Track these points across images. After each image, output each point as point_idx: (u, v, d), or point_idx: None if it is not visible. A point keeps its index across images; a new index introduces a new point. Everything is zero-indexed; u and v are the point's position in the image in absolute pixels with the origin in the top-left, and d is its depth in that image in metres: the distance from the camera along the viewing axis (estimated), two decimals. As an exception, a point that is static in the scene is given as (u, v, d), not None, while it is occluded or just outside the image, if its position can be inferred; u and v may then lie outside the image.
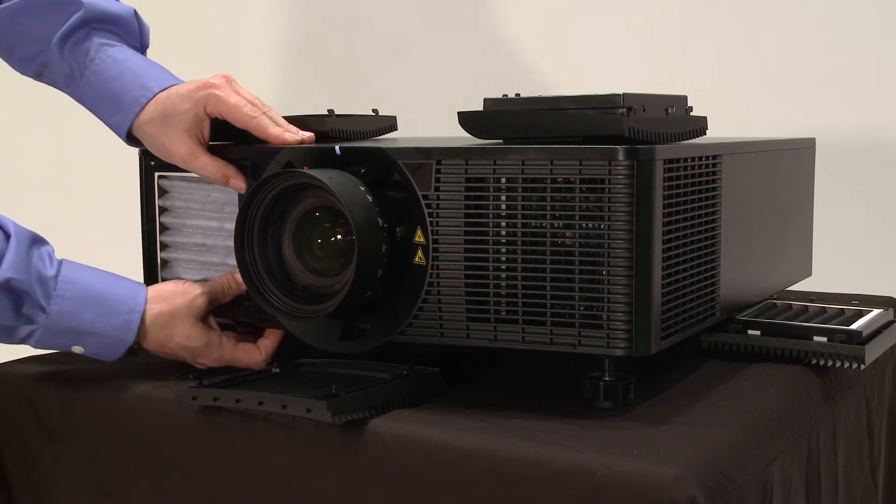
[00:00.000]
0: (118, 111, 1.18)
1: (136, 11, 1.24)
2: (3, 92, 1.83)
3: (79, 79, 1.19)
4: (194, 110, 1.15)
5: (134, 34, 1.23)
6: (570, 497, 0.87)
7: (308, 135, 1.16)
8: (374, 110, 1.32)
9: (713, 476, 0.88)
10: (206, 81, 1.15)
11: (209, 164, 1.15)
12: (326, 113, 1.24)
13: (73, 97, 1.22)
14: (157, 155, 1.19)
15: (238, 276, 1.13)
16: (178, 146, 1.16)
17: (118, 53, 1.20)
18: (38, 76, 1.23)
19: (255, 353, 1.16)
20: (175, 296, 1.14)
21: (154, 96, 1.17)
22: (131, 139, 1.20)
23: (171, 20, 2.24)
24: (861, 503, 1.24)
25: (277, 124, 1.16)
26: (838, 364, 1.13)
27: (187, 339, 1.13)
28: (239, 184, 1.15)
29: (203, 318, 1.15)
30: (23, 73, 1.24)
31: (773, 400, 1.06)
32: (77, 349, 1.12)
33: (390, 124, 1.34)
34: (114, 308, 1.11)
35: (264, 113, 1.16)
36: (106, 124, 1.20)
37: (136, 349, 1.14)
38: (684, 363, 1.16)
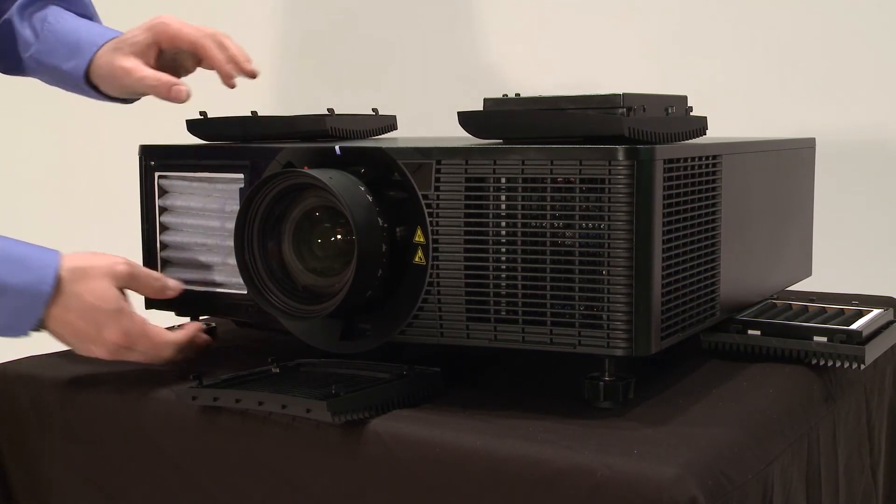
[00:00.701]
0: (76, 55, 1.23)
1: None
2: (4, 92, 1.83)
3: (37, 39, 1.24)
4: (143, 35, 1.20)
5: (84, 7, 1.30)
6: (570, 497, 0.88)
7: (251, 69, 1.21)
8: (373, 109, 1.32)
9: (713, 476, 0.88)
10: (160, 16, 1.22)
11: (151, 76, 1.19)
12: (326, 112, 1.24)
13: (31, 62, 1.27)
14: (107, 91, 1.23)
15: (159, 282, 1.13)
16: (123, 64, 1.20)
17: (73, 17, 1.27)
18: None
19: (165, 339, 1.12)
20: (95, 257, 1.11)
21: (112, 39, 1.23)
22: (88, 84, 1.24)
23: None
24: (861, 503, 1.24)
25: (231, 57, 1.21)
26: (838, 364, 1.13)
27: (100, 298, 1.08)
28: (181, 90, 1.17)
29: (120, 287, 1.11)
30: None
31: (773, 400, 1.06)
32: None
33: (390, 124, 1.34)
34: (28, 265, 1.07)
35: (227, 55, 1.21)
36: (63, 71, 1.24)
37: (43, 323, 1.08)
38: (684, 363, 1.16)
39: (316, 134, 1.19)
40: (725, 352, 1.17)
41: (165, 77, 1.20)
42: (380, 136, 1.33)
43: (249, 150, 1.16)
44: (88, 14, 1.33)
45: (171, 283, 1.16)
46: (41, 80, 1.33)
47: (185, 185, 1.22)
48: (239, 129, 1.19)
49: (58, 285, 1.07)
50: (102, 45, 1.23)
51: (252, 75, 1.22)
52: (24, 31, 1.25)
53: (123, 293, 1.12)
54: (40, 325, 1.09)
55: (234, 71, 1.22)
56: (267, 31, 2.27)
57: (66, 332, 1.09)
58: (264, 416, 1.01)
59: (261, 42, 2.27)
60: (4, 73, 1.33)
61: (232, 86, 1.23)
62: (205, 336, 1.18)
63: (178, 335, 1.13)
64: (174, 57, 1.26)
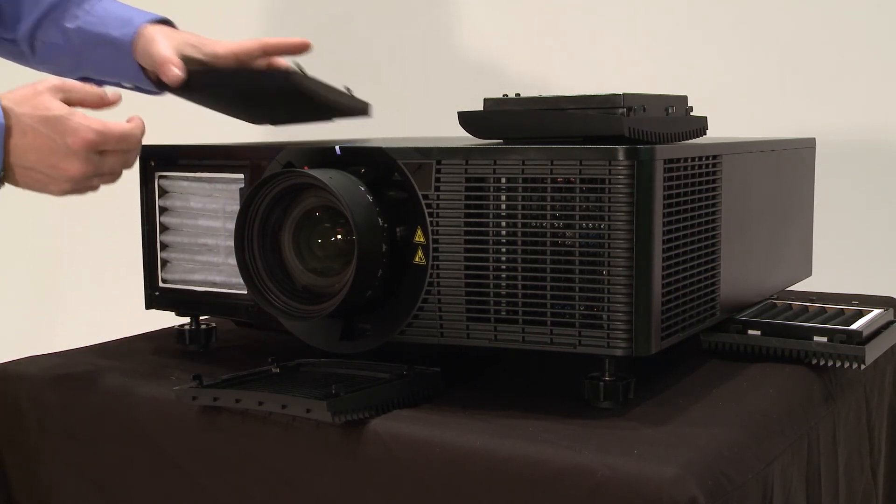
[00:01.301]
0: (127, 25, 1.28)
1: None
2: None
3: (86, 13, 1.31)
4: (195, 41, 1.27)
5: None
6: (570, 497, 0.88)
7: (176, 74, 1.23)
8: (346, 88, 1.29)
9: (713, 476, 0.88)
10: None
11: (166, 51, 1.24)
12: (295, 65, 1.25)
13: (70, 35, 1.31)
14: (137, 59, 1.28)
15: (94, 91, 1.12)
16: (160, 37, 1.26)
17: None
18: (32, 34, 1.33)
19: (129, 127, 1.10)
20: (27, 86, 1.08)
21: (163, 21, 1.30)
22: (132, 49, 1.28)
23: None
24: (861, 503, 1.24)
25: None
26: (838, 364, 1.13)
27: (48, 108, 1.05)
28: (177, 73, 1.22)
29: (58, 96, 1.08)
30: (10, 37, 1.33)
31: (773, 400, 1.06)
32: None
33: (360, 108, 1.30)
34: None
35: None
36: (112, 38, 1.29)
37: (7, 163, 1.06)
38: (684, 363, 1.16)
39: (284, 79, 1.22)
40: (725, 352, 1.17)
41: (176, 59, 1.23)
42: (379, 138, 1.33)
43: (249, 150, 1.16)
44: None
45: (109, 92, 1.14)
46: (45, 67, 1.35)
47: (185, 185, 1.22)
48: None
49: (6, 114, 1.04)
50: (152, 22, 1.28)
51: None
52: (70, 6, 1.31)
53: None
54: (4, 169, 1.06)
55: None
56: (266, 30, 2.27)
57: (32, 160, 1.06)
58: (264, 416, 1.01)
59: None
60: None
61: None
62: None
63: (137, 120, 1.12)
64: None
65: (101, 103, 1.12)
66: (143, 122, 1.12)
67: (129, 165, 1.12)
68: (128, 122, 1.11)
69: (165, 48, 1.24)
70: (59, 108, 1.06)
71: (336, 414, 0.96)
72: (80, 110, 1.08)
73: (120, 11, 1.31)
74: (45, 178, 1.08)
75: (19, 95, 1.07)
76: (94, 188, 1.11)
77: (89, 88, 1.12)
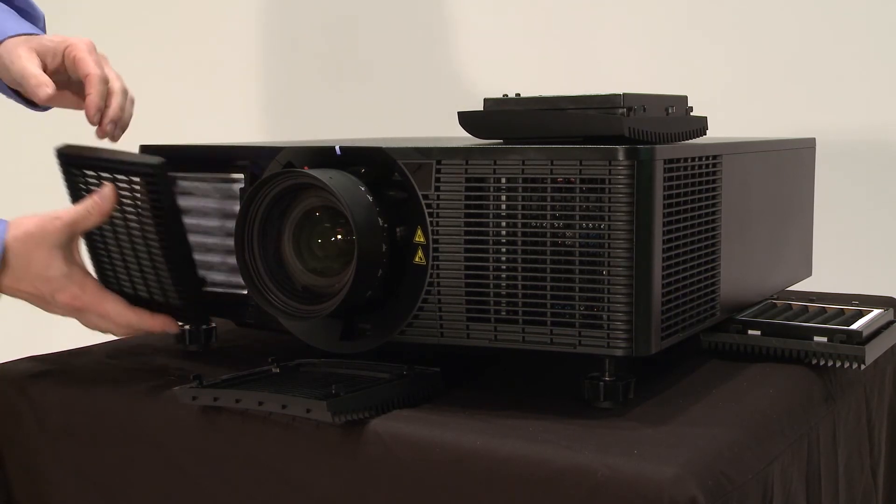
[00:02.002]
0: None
1: None
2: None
3: None
4: (56, 41, 1.20)
5: (31, 7, 1.31)
6: (570, 497, 0.87)
7: (110, 130, 1.18)
8: None
9: (713, 476, 0.88)
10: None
11: (32, 67, 1.17)
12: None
13: None
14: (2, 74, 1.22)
15: (101, 196, 1.10)
16: (22, 51, 1.18)
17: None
18: None
19: (120, 321, 1.11)
20: (32, 225, 1.08)
21: (30, 34, 1.22)
22: None
23: (168, 18, 2.24)
24: (861, 503, 1.24)
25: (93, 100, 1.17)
26: (838, 364, 1.13)
27: (46, 268, 1.07)
28: (47, 90, 1.16)
29: (63, 247, 1.10)
30: None
31: (773, 400, 1.06)
32: None
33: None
34: None
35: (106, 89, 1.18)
36: None
37: None
38: (684, 363, 1.16)
39: None
40: (725, 352, 1.17)
41: (44, 77, 1.17)
42: (378, 137, 1.33)
43: (249, 150, 1.16)
44: (33, 14, 1.31)
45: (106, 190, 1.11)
46: None
47: (185, 185, 1.21)
48: None
49: (5, 257, 1.06)
50: (16, 35, 1.21)
51: (104, 135, 1.19)
52: None
53: (72, 249, 1.11)
54: None
55: (97, 120, 1.18)
56: (265, 29, 2.27)
57: (21, 297, 1.10)
58: (264, 416, 1.01)
59: (258, 39, 2.27)
60: None
61: (99, 135, 1.20)
62: (174, 327, 1.16)
63: (138, 321, 1.12)
64: (73, 81, 1.23)
65: (104, 214, 1.11)
66: (151, 329, 1.12)
67: (111, 332, 1.12)
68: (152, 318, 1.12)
69: (29, 63, 1.18)
70: (53, 269, 1.08)
71: (336, 414, 0.96)
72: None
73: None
74: (32, 304, 1.11)
75: (26, 236, 1.07)
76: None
77: (93, 214, 1.10)
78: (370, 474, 0.97)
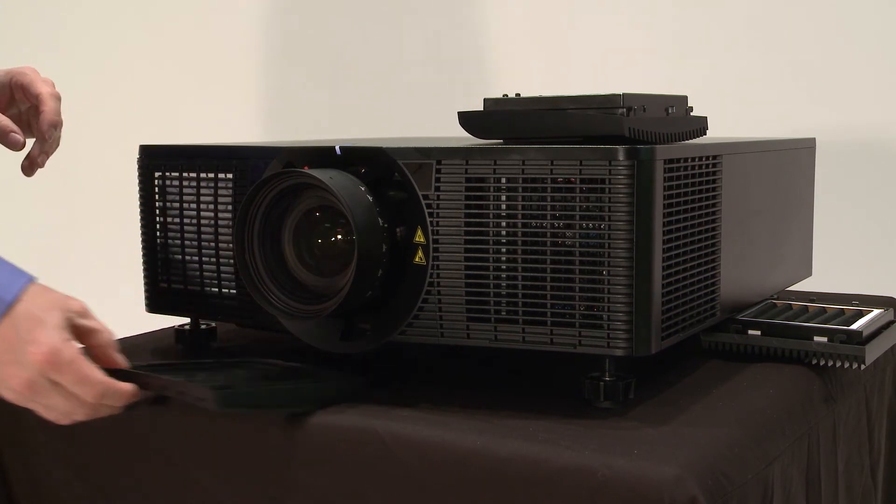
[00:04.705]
0: None
1: None
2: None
3: None
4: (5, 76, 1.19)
5: None
6: (570, 497, 0.88)
7: (18, 140, 1.16)
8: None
9: (713, 476, 0.88)
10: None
11: None
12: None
13: None
14: None
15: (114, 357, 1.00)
16: None
17: None
18: None
19: (110, 386, 0.96)
20: (57, 300, 0.97)
21: None
22: None
23: (168, 18, 2.24)
24: (861, 503, 1.24)
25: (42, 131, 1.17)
26: (838, 364, 1.13)
27: (48, 337, 0.93)
28: (17, 138, 1.15)
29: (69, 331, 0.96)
30: None
31: (773, 400, 1.06)
32: None
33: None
34: None
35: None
36: None
37: None
38: (684, 363, 1.16)
39: None
40: (725, 352, 1.17)
41: (5, 121, 1.15)
42: (377, 138, 1.33)
43: (249, 150, 1.16)
44: None
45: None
46: None
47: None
48: None
49: (8, 312, 0.94)
50: None
51: (27, 170, 1.19)
52: None
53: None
54: None
55: (49, 135, 1.18)
56: (264, 28, 2.27)
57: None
58: (263, 418, 1.01)
59: (256, 39, 2.27)
60: None
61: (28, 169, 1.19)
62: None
63: (114, 385, 0.97)
64: (23, 111, 1.23)
65: (109, 359, 1.00)
66: (121, 401, 0.98)
67: (76, 415, 0.97)
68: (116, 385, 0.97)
69: None
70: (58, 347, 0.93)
71: (222, 404, 0.95)
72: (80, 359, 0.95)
73: None
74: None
75: (41, 306, 0.94)
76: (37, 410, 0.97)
77: (102, 332, 1.00)
78: (370, 474, 0.97)
